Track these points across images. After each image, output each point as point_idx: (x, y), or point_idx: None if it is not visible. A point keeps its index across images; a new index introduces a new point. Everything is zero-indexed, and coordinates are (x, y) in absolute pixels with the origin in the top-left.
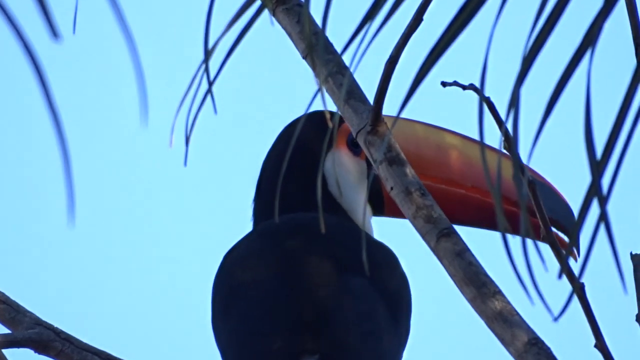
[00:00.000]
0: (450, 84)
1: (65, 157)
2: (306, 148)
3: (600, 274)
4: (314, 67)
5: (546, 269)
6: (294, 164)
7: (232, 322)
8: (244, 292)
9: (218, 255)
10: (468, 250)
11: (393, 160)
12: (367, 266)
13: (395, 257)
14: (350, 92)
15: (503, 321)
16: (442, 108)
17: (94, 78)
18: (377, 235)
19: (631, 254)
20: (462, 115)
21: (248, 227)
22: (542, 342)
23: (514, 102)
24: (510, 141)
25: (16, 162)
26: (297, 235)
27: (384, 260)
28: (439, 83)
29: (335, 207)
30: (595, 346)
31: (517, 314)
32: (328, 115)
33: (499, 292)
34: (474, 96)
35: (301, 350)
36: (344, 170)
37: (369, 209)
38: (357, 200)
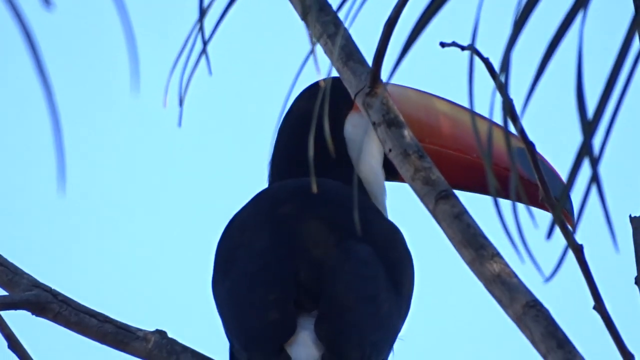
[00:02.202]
0: (449, 45)
1: (55, 120)
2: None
3: (599, 237)
4: (310, 28)
5: (537, 226)
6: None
7: (230, 283)
8: (242, 254)
9: (212, 217)
10: (466, 212)
11: (391, 122)
12: (359, 227)
13: (401, 235)
14: (349, 54)
15: (501, 283)
16: (441, 71)
17: (84, 40)
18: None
19: (630, 216)
20: (462, 79)
21: (244, 186)
22: (541, 305)
23: (506, 65)
24: (506, 101)
25: (8, 123)
26: (299, 198)
27: (389, 234)
28: (438, 44)
29: (349, 174)
30: (594, 308)
31: (516, 276)
32: (322, 80)
33: (498, 254)
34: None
35: (298, 308)
36: (361, 134)
37: (383, 173)
38: (372, 164)
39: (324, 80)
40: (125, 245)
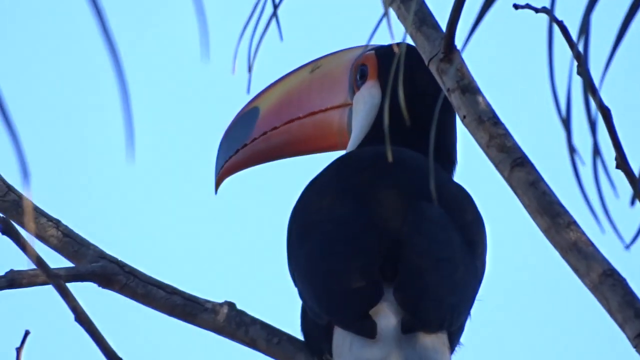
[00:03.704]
0: (523, 7)
1: (124, 90)
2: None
3: None
4: None
5: (617, 195)
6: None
7: (310, 248)
8: (320, 221)
9: (283, 186)
10: (542, 179)
11: (466, 88)
12: (434, 193)
13: (471, 197)
14: (423, 19)
15: (578, 252)
16: (515, 37)
17: (152, 9)
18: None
19: None
20: (535, 41)
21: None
22: (618, 273)
23: (585, 28)
24: (582, 64)
25: (77, 93)
26: (374, 165)
27: (461, 197)
28: (511, 6)
29: (424, 142)
30: None
31: (592, 244)
32: (395, 45)
33: (574, 222)
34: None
35: (379, 277)
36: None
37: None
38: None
39: (399, 45)
40: (192, 215)
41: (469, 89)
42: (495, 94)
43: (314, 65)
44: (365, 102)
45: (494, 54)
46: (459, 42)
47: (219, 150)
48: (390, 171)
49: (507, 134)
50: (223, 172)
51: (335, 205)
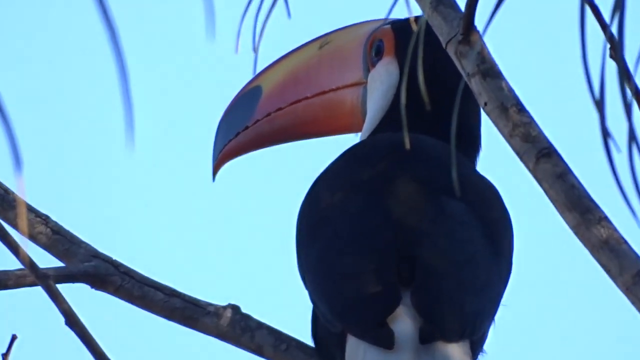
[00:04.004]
0: None
1: (123, 75)
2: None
3: None
4: None
5: None
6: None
7: (321, 248)
8: (332, 217)
9: (289, 181)
10: (570, 172)
11: (487, 73)
12: (457, 187)
13: (498, 191)
14: None
15: (609, 250)
16: (539, 14)
17: None
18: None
19: None
20: (562, 22)
21: (319, 147)
22: None
23: (619, 5)
24: (616, 46)
25: (70, 82)
26: (390, 155)
27: (486, 191)
28: None
29: (445, 127)
30: None
31: (626, 242)
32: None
33: (605, 218)
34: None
35: (396, 279)
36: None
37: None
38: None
39: (417, 19)
40: (192, 209)
41: (491, 73)
42: (520, 79)
43: (322, 40)
44: (382, 81)
45: (518, 36)
46: (479, 22)
47: (217, 134)
48: (409, 162)
49: (532, 122)
50: (222, 156)
51: (348, 200)
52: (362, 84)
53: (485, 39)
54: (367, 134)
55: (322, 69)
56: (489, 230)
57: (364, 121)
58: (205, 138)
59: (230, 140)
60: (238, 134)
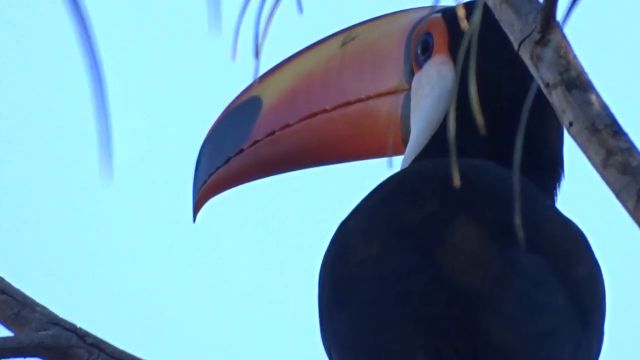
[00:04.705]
0: None
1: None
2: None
3: None
4: None
5: None
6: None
7: (352, 316)
8: (369, 274)
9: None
10: None
11: (573, 84)
12: (531, 233)
13: (586, 238)
14: None
15: None
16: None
17: None
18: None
19: None
20: None
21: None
22: None
23: None
24: None
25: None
26: (444, 189)
27: (570, 239)
28: None
29: (508, 150)
30: None
31: None
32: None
33: None
34: None
35: (448, 355)
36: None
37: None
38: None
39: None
40: (172, 262)
41: (578, 84)
42: (615, 92)
43: (346, 35)
44: (432, 86)
45: (613, 36)
46: (562, 17)
47: (198, 160)
48: (468, 199)
49: (632, 149)
50: (206, 190)
51: (388, 253)
52: (403, 90)
53: (571, 38)
54: (411, 159)
55: (346, 72)
56: (574, 292)
57: (405, 142)
58: (184, 166)
59: (218, 169)
60: (229, 159)
